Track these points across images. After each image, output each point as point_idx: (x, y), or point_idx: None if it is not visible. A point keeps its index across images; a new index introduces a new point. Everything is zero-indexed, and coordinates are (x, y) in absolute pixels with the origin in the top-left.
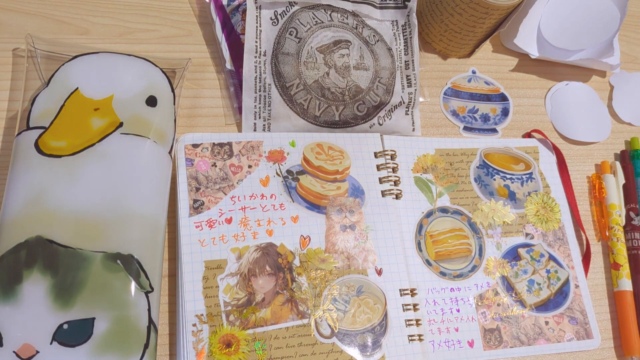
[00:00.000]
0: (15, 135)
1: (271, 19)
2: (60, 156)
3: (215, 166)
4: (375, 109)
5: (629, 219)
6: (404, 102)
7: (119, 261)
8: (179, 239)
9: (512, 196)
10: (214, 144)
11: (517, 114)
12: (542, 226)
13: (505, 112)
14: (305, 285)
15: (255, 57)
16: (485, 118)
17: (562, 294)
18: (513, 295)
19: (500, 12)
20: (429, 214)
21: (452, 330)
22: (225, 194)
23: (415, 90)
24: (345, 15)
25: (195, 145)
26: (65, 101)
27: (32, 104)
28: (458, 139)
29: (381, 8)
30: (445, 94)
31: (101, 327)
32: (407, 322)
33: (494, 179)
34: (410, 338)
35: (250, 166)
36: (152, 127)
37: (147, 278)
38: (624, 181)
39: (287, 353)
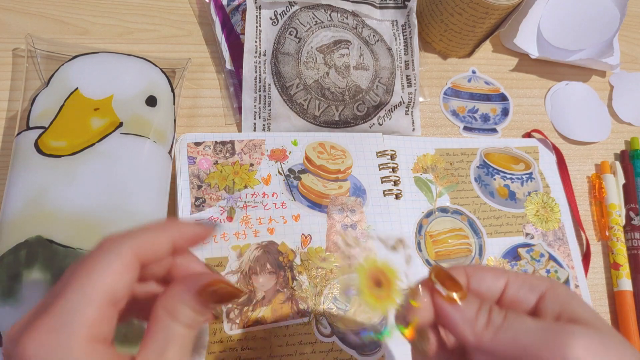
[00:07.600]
0: (15, 135)
1: (271, 19)
2: (60, 156)
3: (217, 164)
4: (375, 109)
5: (628, 219)
6: (403, 102)
7: None
8: None
9: (512, 196)
10: (216, 142)
11: (517, 113)
12: (542, 226)
13: (505, 112)
14: (306, 283)
15: (255, 57)
16: (485, 118)
17: None
18: None
19: (500, 12)
20: (428, 214)
21: None
22: (227, 192)
23: (415, 90)
24: (345, 15)
25: (197, 144)
26: (65, 101)
27: (32, 104)
28: (458, 138)
29: (381, 8)
30: (445, 94)
31: None
32: None
33: (494, 179)
34: None
35: (252, 164)
36: (152, 127)
37: None
38: (624, 181)
39: (287, 351)
